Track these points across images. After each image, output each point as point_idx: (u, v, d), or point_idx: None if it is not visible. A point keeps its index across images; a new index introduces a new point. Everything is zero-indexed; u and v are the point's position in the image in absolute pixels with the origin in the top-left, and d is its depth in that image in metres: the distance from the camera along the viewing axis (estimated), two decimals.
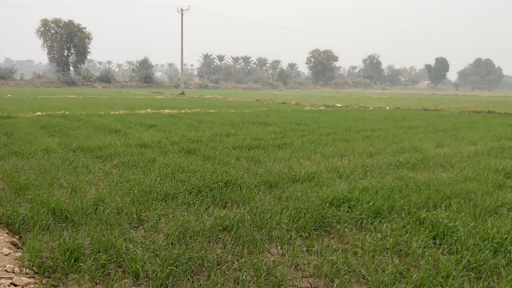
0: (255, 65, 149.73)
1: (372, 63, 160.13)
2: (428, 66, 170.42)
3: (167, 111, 21.85)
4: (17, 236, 4.31)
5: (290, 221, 4.72)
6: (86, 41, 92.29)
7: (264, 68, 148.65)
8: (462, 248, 3.95)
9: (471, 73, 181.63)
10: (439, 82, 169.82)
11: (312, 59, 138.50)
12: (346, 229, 4.46)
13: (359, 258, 3.82)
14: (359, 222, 4.69)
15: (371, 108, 28.65)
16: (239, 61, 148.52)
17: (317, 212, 4.83)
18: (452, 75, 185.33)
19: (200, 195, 5.72)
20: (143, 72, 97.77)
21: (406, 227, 4.52)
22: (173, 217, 4.87)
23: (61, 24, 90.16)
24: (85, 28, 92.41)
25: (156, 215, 4.86)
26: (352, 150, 9.93)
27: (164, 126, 14.44)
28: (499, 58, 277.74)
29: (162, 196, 5.63)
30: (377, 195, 5.60)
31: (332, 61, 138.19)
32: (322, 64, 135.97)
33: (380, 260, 3.78)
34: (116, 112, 20.12)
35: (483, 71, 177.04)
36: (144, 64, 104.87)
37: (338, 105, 31.90)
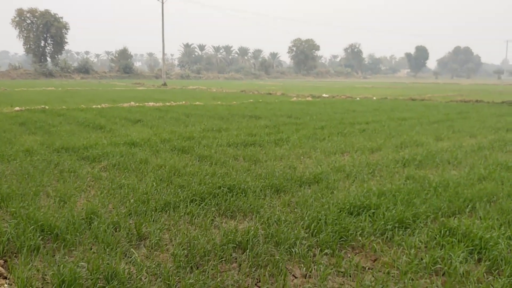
0: (236, 55, 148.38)
1: (353, 52, 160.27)
2: (408, 55, 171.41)
3: (151, 104, 21.14)
4: (2, 261, 3.75)
5: (309, 234, 4.26)
6: (63, 31, 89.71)
7: (246, 57, 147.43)
8: (507, 267, 3.55)
9: (450, 61, 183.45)
10: (419, 70, 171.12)
11: (294, 48, 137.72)
12: (374, 244, 4.01)
13: (397, 281, 3.38)
14: (385, 235, 4.25)
15: (358, 99, 28.35)
16: (221, 51, 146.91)
17: (337, 223, 4.39)
18: (431, 63, 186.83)
19: (203, 203, 5.21)
20: (123, 63, 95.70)
21: (436, 239, 4.11)
22: (177, 231, 4.37)
23: (37, 14, 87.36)
24: (61, 17, 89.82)
25: (158, 230, 4.34)
26: (351, 146, 9.52)
27: (150, 121, 13.82)
28: (477, 46, 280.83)
29: (162, 206, 5.11)
30: (396, 200, 5.19)
31: (314, 50, 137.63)
32: (304, 53, 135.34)
33: (421, 283, 3.35)
34: (99, 106, 19.34)
35: (462, 59, 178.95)
36: (124, 54, 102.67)
37: (324, 95, 31.53)
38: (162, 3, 53.46)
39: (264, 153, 8.60)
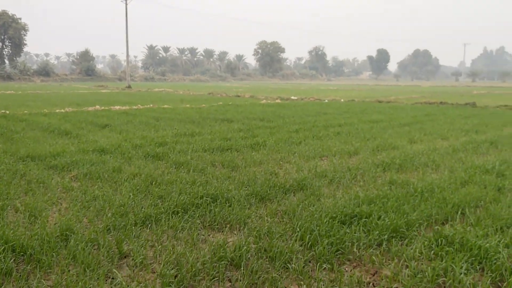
0: (202, 57, 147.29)
1: (318, 55, 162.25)
2: (370, 57, 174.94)
3: (117, 107, 20.50)
4: None
5: (304, 247, 4.05)
6: (22, 32, 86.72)
7: (211, 59, 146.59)
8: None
9: (410, 63, 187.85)
10: (381, 73, 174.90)
11: (260, 51, 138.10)
12: (373, 256, 3.84)
13: None
14: (382, 246, 4.10)
15: (326, 101, 28.51)
16: (185, 53, 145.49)
17: (331, 234, 4.21)
18: (392, 66, 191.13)
19: (186, 215, 4.93)
20: (85, 65, 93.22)
21: (434, 249, 3.99)
22: (162, 248, 4.07)
23: None
24: (20, 18, 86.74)
25: (141, 247, 4.04)
26: (329, 150, 9.42)
27: (119, 126, 13.33)
28: (436, 49, 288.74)
29: (142, 219, 4.79)
30: (385, 207, 5.06)
31: (279, 53, 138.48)
32: (270, 56, 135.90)
33: None
34: (62, 110, 18.58)
35: (421, 61, 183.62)
36: (85, 56, 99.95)
37: (293, 97, 31.57)
38: (126, 4, 52.31)
39: (242, 159, 8.36)
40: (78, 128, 12.71)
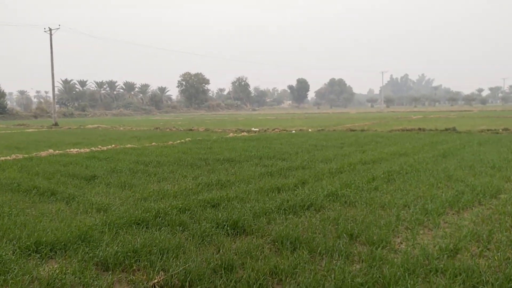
0: (122, 90, 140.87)
1: (241, 85, 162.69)
2: (290, 87, 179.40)
3: (75, 150, 16.89)
4: None
5: None
6: None
7: (132, 92, 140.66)
8: None
9: (326, 92, 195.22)
10: (301, 101, 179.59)
11: (184, 82, 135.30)
12: None
13: None
14: None
15: (293, 131, 26.62)
16: (104, 86, 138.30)
17: None
18: (309, 95, 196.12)
19: None
20: None
21: None
22: None
23: None
24: None
25: None
26: (433, 197, 7.27)
27: (108, 176, 10.22)
28: (349, 78, 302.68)
29: None
30: None
31: (204, 84, 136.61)
32: (194, 87, 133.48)
33: None
34: (8, 157, 14.67)
35: (337, 90, 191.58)
36: None
37: (253, 129, 29.37)
38: (51, 34, 47.37)
39: (354, 222, 5.91)
40: (59, 183, 9.38)
